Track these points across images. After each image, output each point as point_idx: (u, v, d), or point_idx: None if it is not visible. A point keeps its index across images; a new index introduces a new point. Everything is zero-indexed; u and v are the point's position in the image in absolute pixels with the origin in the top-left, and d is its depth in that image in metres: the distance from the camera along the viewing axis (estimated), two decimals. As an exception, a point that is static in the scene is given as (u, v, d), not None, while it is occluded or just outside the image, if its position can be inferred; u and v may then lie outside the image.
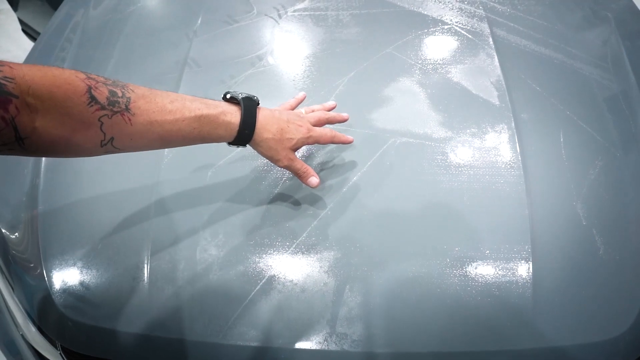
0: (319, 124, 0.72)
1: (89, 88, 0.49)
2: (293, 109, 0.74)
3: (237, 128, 0.61)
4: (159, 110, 0.55)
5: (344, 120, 0.76)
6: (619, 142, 0.79)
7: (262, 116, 0.64)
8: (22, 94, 0.44)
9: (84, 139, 0.50)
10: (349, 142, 0.74)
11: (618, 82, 0.89)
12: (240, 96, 0.63)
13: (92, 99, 0.49)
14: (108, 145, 0.53)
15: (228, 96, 0.64)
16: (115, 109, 0.51)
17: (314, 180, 0.68)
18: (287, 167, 0.67)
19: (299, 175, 0.69)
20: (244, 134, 0.62)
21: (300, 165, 0.68)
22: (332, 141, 0.71)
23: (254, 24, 1.00)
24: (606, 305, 0.63)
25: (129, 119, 0.52)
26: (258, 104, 0.64)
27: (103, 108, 0.50)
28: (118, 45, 0.98)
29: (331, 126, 0.76)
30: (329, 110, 0.77)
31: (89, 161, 0.78)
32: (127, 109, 0.52)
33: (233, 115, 0.61)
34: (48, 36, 1.06)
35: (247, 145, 0.65)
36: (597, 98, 0.86)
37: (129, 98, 0.52)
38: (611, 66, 0.92)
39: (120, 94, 0.52)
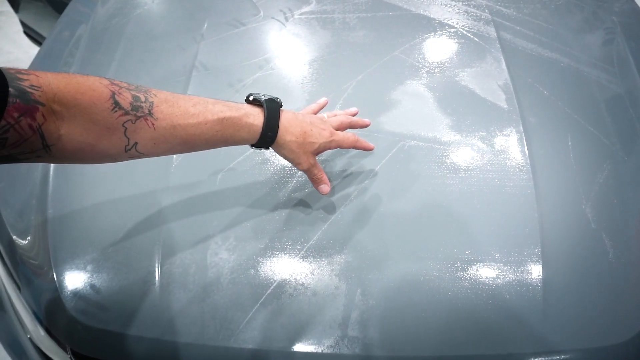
0: (342, 127, 0.71)
1: (113, 94, 0.50)
2: (315, 113, 0.74)
3: (260, 130, 0.61)
4: (182, 114, 0.55)
5: (366, 125, 0.75)
6: (626, 145, 0.79)
7: (285, 119, 0.63)
8: (49, 102, 0.45)
9: (109, 144, 0.51)
10: (370, 149, 0.73)
11: (624, 85, 0.89)
12: (263, 98, 0.62)
13: (116, 104, 0.50)
14: (132, 150, 0.53)
15: (251, 98, 0.63)
16: (138, 114, 0.51)
17: (325, 187, 0.68)
18: (306, 171, 0.67)
19: (313, 180, 0.69)
20: (267, 137, 0.62)
21: (318, 171, 0.68)
22: (355, 146, 0.71)
23: (261, 27, 1.00)
24: (616, 308, 0.64)
25: (152, 124, 0.53)
26: (281, 105, 0.64)
27: (127, 113, 0.50)
28: (125, 48, 0.98)
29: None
30: (352, 115, 0.76)
31: (98, 165, 0.78)
32: (150, 113, 0.52)
33: (256, 117, 0.61)
34: (54, 40, 1.06)
35: (270, 148, 0.64)
36: (604, 101, 0.86)
37: (152, 103, 0.53)
38: (617, 69, 0.92)
39: (143, 99, 0.52)
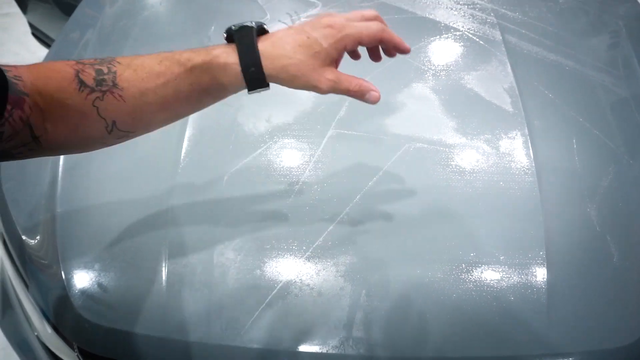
0: (362, 18, 0.53)
1: (77, 72, 0.46)
2: None
3: (239, 68, 0.48)
4: (147, 76, 0.48)
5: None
6: (631, 148, 0.79)
7: (270, 42, 0.49)
8: (31, 92, 0.44)
9: (89, 129, 0.48)
10: (406, 50, 0.55)
11: (629, 88, 0.89)
12: (233, 28, 0.50)
13: (81, 83, 0.46)
14: (115, 131, 0.49)
15: (224, 35, 0.51)
16: (103, 88, 0.47)
17: (374, 94, 0.53)
18: (332, 92, 0.52)
19: (352, 95, 0.53)
20: (252, 73, 0.49)
21: (348, 82, 0.51)
22: (382, 38, 0.52)
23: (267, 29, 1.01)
24: (621, 311, 0.64)
25: (120, 96, 0.47)
26: (261, 31, 0.51)
27: (93, 90, 0.46)
28: (132, 51, 0.98)
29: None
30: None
31: (106, 165, 0.79)
32: (115, 84, 0.47)
33: (229, 54, 0.49)
34: (62, 42, 1.07)
35: (273, 84, 0.51)
36: (609, 104, 0.86)
37: (115, 72, 0.47)
38: (622, 72, 0.92)
39: (105, 71, 0.47)
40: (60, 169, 0.79)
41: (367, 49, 0.57)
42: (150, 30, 1.04)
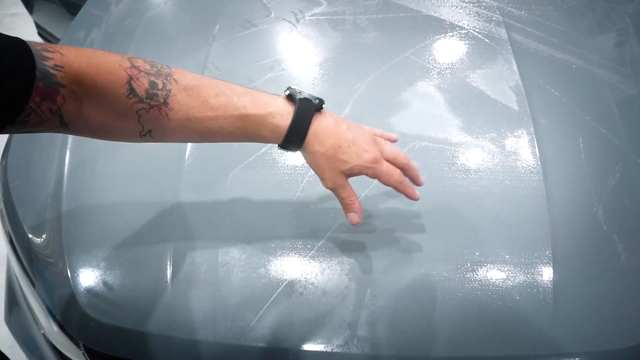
0: (394, 162, 0.60)
1: (130, 79, 0.48)
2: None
3: (285, 133, 0.54)
4: (200, 106, 0.51)
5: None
6: (639, 147, 0.78)
7: (320, 125, 0.56)
8: (70, 83, 0.44)
9: (123, 127, 0.50)
10: (415, 199, 0.62)
11: (637, 87, 0.88)
12: (298, 96, 0.55)
13: (131, 91, 0.48)
14: (147, 136, 0.51)
15: (286, 92, 0.56)
16: (153, 103, 0.49)
17: (353, 217, 0.59)
18: (332, 190, 0.60)
19: (341, 204, 0.61)
20: (292, 141, 0.55)
21: (347, 194, 0.59)
22: (397, 187, 0.60)
23: (272, 28, 1.01)
24: (627, 311, 0.63)
25: (167, 114, 0.50)
26: (319, 108, 0.56)
27: (141, 101, 0.48)
28: (138, 50, 0.99)
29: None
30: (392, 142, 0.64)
31: (112, 163, 0.79)
32: (166, 103, 0.49)
33: (283, 118, 0.54)
34: (68, 42, 1.08)
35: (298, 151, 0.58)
36: (616, 103, 0.86)
37: (169, 91, 0.50)
38: (630, 70, 0.91)
39: (160, 86, 0.49)
40: (66, 167, 0.79)
41: None
42: (155, 30, 1.05)
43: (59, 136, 0.85)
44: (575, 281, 0.64)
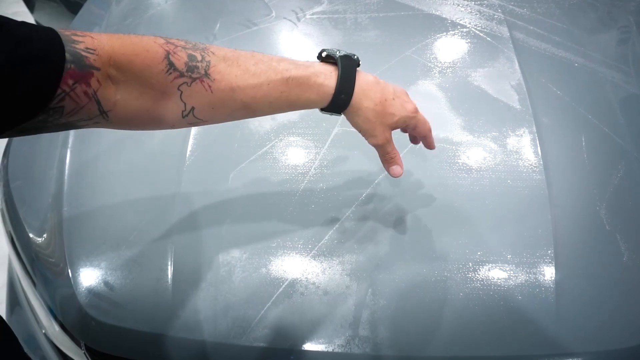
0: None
1: (167, 54, 0.46)
2: None
3: (332, 92, 0.53)
4: (242, 74, 0.49)
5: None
6: (641, 147, 0.78)
7: (364, 81, 0.55)
8: (104, 66, 0.43)
9: (165, 109, 0.48)
10: (433, 149, 0.66)
11: (640, 86, 0.88)
12: (337, 54, 0.54)
13: (171, 65, 0.46)
14: (190, 116, 0.49)
15: (324, 54, 0.55)
16: (194, 75, 0.47)
17: (397, 169, 0.60)
18: (379, 147, 0.59)
19: (385, 159, 0.61)
20: (340, 99, 0.53)
21: (392, 149, 0.59)
22: (427, 135, 0.63)
23: (273, 27, 1.01)
24: (630, 311, 0.63)
25: (209, 86, 0.48)
26: (359, 64, 0.56)
27: (182, 75, 0.47)
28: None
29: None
30: None
31: (113, 163, 0.79)
32: (207, 74, 0.48)
33: (327, 76, 0.53)
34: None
35: (342, 113, 0.57)
36: (619, 101, 0.85)
37: (209, 62, 0.48)
38: (632, 69, 0.91)
39: (199, 58, 0.47)
40: (67, 167, 0.79)
41: (410, 134, 0.67)
42: (156, 29, 1.04)
43: (59, 136, 0.85)
44: (578, 281, 0.64)
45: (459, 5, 1.03)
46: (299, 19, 1.02)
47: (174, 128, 0.52)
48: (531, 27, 0.98)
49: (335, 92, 0.53)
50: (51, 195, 0.77)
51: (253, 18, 1.03)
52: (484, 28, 0.98)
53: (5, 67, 0.36)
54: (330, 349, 0.60)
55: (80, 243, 0.70)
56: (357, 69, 0.56)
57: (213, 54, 0.49)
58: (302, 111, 0.83)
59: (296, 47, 0.96)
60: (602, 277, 0.65)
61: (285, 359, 0.61)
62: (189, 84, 0.47)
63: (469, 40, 0.96)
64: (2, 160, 0.89)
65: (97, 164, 0.80)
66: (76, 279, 0.67)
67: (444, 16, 1.01)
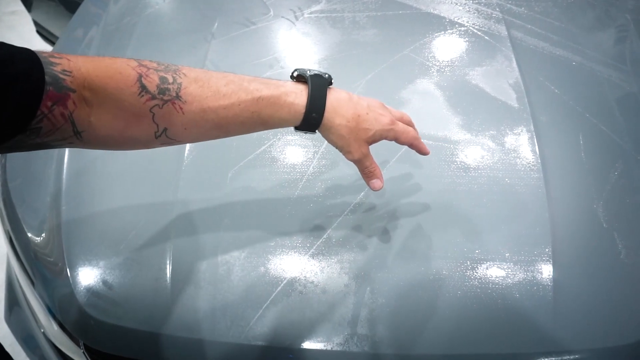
0: (402, 121, 0.62)
1: (140, 76, 0.47)
2: None
3: (303, 110, 0.53)
4: (212, 95, 0.50)
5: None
6: (639, 145, 0.78)
7: (335, 98, 0.56)
8: (79, 88, 0.43)
9: (138, 130, 0.49)
10: (426, 154, 0.65)
11: (637, 83, 0.88)
12: (308, 73, 0.55)
13: (143, 88, 0.47)
14: (162, 137, 0.50)
15: (295, 74, 0.57)
16: (165, 98, 0.48)
17: (377, 183, 0.61)
18: (357, 162, 0.60)
19: (364, 174, 0.61)
20: (311, 118, 0.54)
21: (370, 163, 0.60)
22: (412, 143, 0.62)
23: (271, 26, 1.01)
24: (628, 308, 0.63)
25: (181, 108, 0.49)
26: (330, 83, 0.57)
27: (154, 97, 0.47)
28: (136, 48, 0.99)
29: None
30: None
31: (111, 163, 0.79)
32: (178, 96, 0.48)
33: (298, 95, 0.54)
34: (66, 40, 1.08)
35: (317, 132, 0.57)
36: (616, 100, 0.85)
37: (180, 84, 0.49)
38: (630, 67, 0.91)
39: (171, 80, 0.48)
40: (66, 166, 0.79)
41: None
42: (154, 28, 1.04)
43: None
44: (575, 278, 0.64)
45: (457, 4, 1.04)
46: (297, 18, 1.02)
47: (147, 148, 0.53)
48: (529, 26, 0.98)
49: (306, 110, 0.54)
50: (50, 195, 0.77)
51: (251, 17, 1.03)
52: (482, 27, 0.98)
53: None
54: (329, 348, 0.60)
55: (79, 242, 0.70)
56: (330, 87, 0.57)
57: (185, 75, 0.49)
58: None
59: (294, 46, 0.96)
60: (600, 275, 0.65)
61: (284, 357, 0.61)
62: (160, 106, 0.48)
63: (467, 38, 0.96)
64: (1, 160, 0.89)
65: (96, 163, 0.80)
66: (75, 278, 0.67)
67: (442, 15, 1.01)
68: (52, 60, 0.43)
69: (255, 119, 0.53)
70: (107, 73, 0.45)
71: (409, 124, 0.64)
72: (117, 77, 0.46)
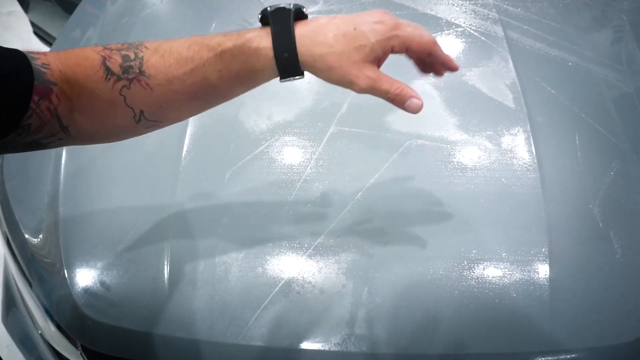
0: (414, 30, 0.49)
1: (104, 59, 0.44)
2: None
3: (271, 54, 0.45)
4: (175, 62, 0.45)
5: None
6: (635, 145, 0.78)
7: (309, 28, 0.45)
8: (59, 81, 0.43)
9: (116, 119, 0.46)
10: (455, 69, 0.53)
11: (633, 84, 0.88)
12: (269, 9, 0.45)
13: (108, 70, 0.44)
14: (143, 121, 0.47)
15: (259, 16, 0.47)
16: (130, 76, 0.44)
17: (415, 102, 0.49)
18: (370, 90, 0.48)
19: (390, 100, 0.49)
20: (285, 59, 0.45)
21: (389, 84, 0.47)
22: (432, 51, 0.49)
23: (268, 26, 1.01)
24: (624, 307, 0.64)
25: (147, 84, 0.45)
26: (300, 15, 0.46)
27: (119, 79, 0.44)
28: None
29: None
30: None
31: (109, 163, 0.79)
32: (141, 72, 0.45)
33: (263, 38, 0.45)
34: (64, 41, 1.08)
35: (308, 73, 0.47)
36: (612, 100, 0.86)
37: (142, 58, 0.45)
38: (626, 68, 0.92)
39: (132, 57, 0.45)
40: (63, 167, 0.79)
41: (414, 60, 0.54)
42: (152, 28, 1.04)
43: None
44: (572, 278, 0.65)
45: (453, 4, 1.04)
46: (294, 19, 1.02)
47: (137, 135, 0.50)
48: (525, 27, 0.98)
49: (275, 52, 0.45)
50: (47, 195, 0.77)
51: (249, 17, 1.03)
52: (478, 27, 0.98)
53: None
54: (326, 348, 0.60)
55: (76, 243, 0.70)
56: (305, 19, 0.47)
57: (146, 48, 0.45)
58: (298, 110, 0.84)
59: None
60: (596, 275, 0.65)
61: (282, 357, 0.61)
62: (128, 87, 0.45)
63: (463, 39, 0.96)
64: (-2, 160, 0.89)
65: (93, 163, 0.80)
66: (72, 279, 0.67)
67: (438, 15, 1.01)
68: (33, 55, 0.43)
69: (226, 78, 0.46)
70: (75, 61, 0.44)
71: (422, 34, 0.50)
72: (85, 64, 0.44)
